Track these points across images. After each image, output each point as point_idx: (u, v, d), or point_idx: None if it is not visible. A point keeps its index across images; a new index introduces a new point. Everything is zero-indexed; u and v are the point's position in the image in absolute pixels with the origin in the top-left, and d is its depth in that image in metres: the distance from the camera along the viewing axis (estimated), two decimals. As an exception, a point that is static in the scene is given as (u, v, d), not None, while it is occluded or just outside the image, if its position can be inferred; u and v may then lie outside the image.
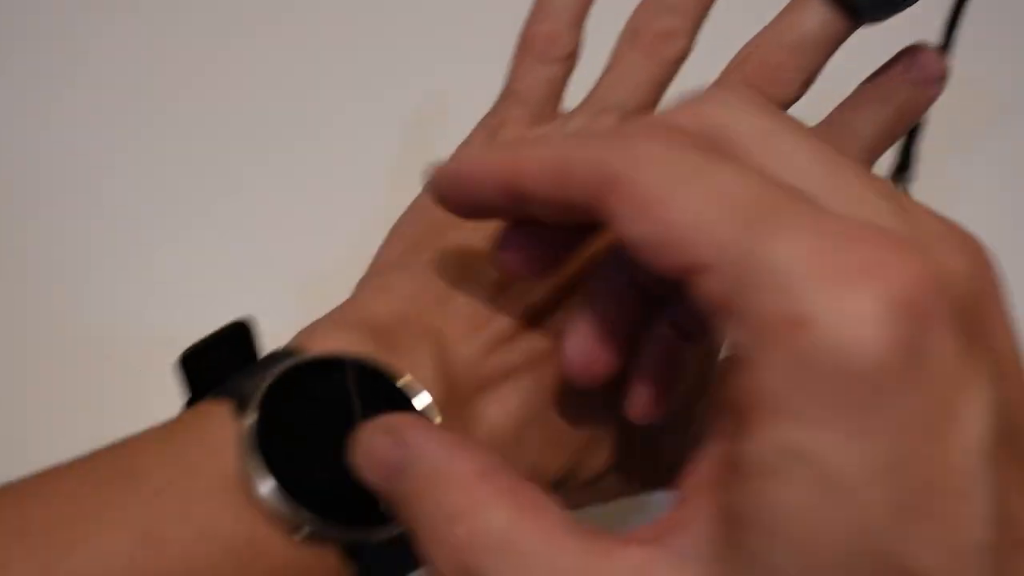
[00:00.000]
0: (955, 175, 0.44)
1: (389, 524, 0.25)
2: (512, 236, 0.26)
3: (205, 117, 0.49)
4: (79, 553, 0.23)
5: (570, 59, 0.35)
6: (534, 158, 0.23)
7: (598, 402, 0.29)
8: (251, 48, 0.52)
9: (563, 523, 0.20)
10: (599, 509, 0.32)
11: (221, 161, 0.48)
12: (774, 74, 0.32)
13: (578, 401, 0.29)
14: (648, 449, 0.31)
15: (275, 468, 0.25)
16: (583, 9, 0.35)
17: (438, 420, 0.27)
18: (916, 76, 0.33)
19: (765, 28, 0.33)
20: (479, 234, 0.29)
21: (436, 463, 0.22)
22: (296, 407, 0.26)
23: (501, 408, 0.29)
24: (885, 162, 0.41)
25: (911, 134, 0.37)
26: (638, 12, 0.35)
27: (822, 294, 0.18)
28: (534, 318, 0.30)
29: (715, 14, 0.34)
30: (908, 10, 0.31)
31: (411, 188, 0.32)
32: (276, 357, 0.28)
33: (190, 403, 0.28)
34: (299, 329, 0.29)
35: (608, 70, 0.34)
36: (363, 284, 0.31)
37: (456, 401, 0.28)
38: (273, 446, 0.25)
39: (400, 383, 0.27)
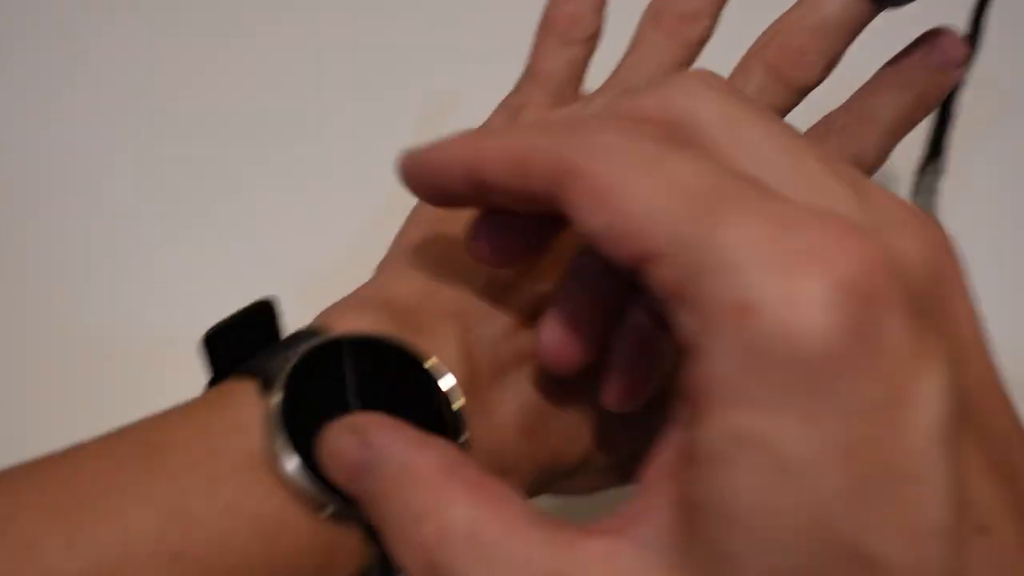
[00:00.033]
0: (955, 175, 0.44)
1: None
2: (482, 226, 0.26)
3: (205, 116, 0.49)
4: (106, 529, 0.23)
5: (592, 40, 0.35)
6: (495, 148, 0.23)
7: None
8: (252, 48, 0.51)
9: (527, 516, 0.20)
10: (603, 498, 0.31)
11: (221, 161, 0.47)
12: (796, 57, 0.32)
13: (594, 390, 0.29)
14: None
15: (300, 447, 0.25)
16: (605, -10, 0.35)
17: (461, 402, 0.27)
18: (937, 60, 0.33)
19: (787, 11, 0.33)
20: None
21: (402, 462, 0.22)
22: (321, 386, 0.26)
23: (520, 393, 0.28)
24: (914, 154, 0.40)
25: (941, 125, 0.37)
26: None
27: (769, 280, 0.18)
28: None
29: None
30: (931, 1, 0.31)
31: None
32: (300, 336, 0.27)
33: (213, 382, 0.28)
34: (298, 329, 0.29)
35: (630, 51, 0.34)
36: (383, 266, 0.31)
37: (477, 384, 0.28)
38: (298, 425, 0.25)
39: (427, 365, 0.27)
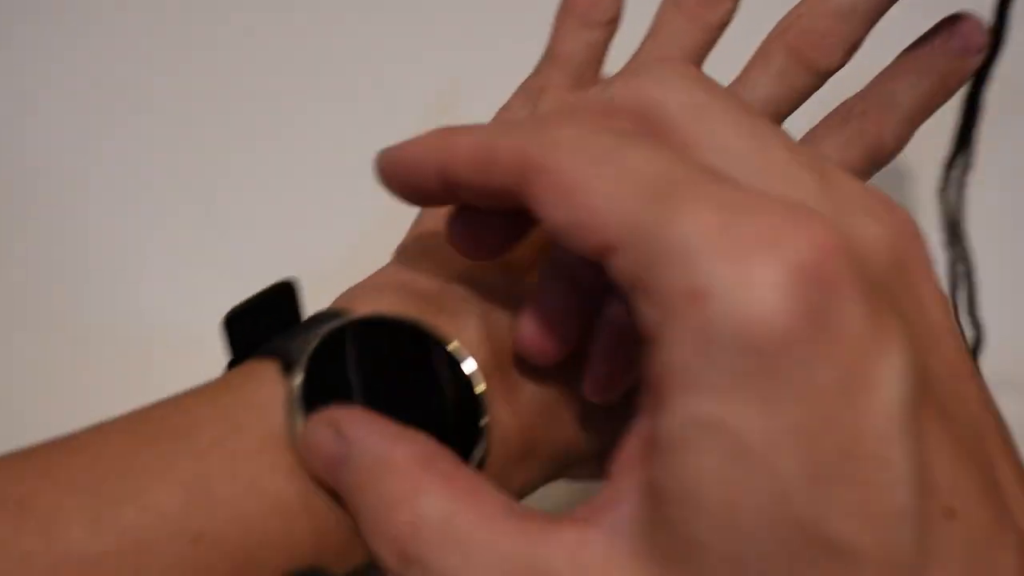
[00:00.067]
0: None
1: None
2: (456, 221, 0.26)
3: (207, 112, 0.48)
4: (129, 508, 0.23)
5: (612, 23, 0.34)
6: (461, 145, 0.23)
7: None
8: (255, 44, 0.50)
9: (501, 507, 0.20)
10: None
11: (224, 158, 0.47)
12: (818, 41, 0.32)
13: None
14: None
15: None
16: (625, -27, 0.35)
17: (482, 387, 0.27)
18: (957, 46, 0.32)
19: (811, -7, 0.32)
20: None
21: (377, 454, 0.22)
22: (343, 368, 0.26)
23: (541, 377, 0.28)
24: (941, 148, 0.40)
25: (968, 118, 0.37)
26: None
27: (720, 266, 0.18)
28: None
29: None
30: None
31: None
32: (321, 318, 0.27)
33: (233, 363, 0.28)
34: (319, 311, 0.29)
35: (650, 34, 0.34)
36: (403, 249, 0.31)
37: (498, 368, 0.28)
38: (320, 406, 0.25)
39: (449, 348, 0.27)
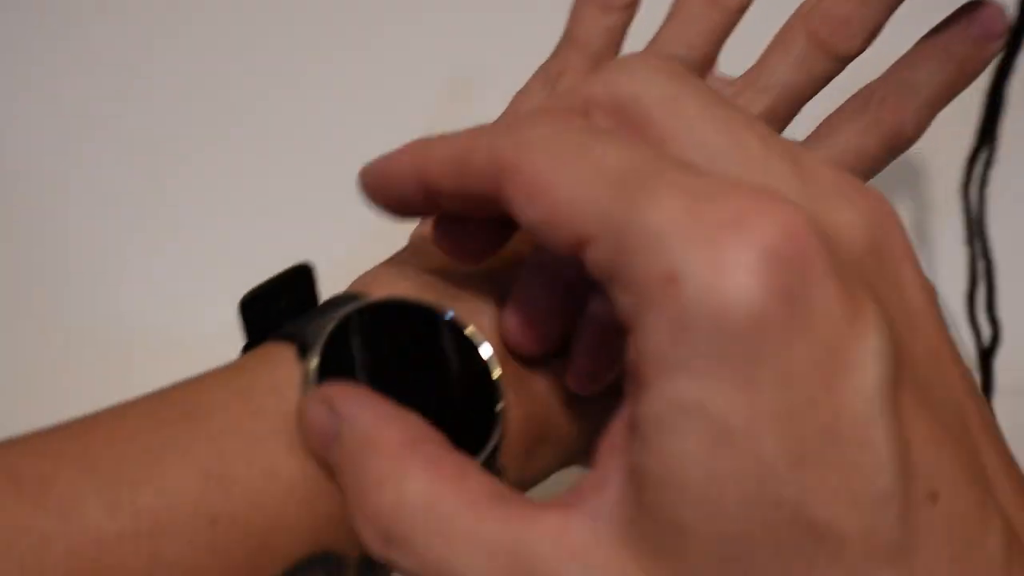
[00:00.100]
0: (934, 181, 0.43)
1: None
2: (439, 229, 0.26)
3: (211, 109, 0.48)
4: (146, 490, 0.23)
5: (630, 7, 0.34)
6: (437, 153, 0.23)
7: None
8: (256, 40, 0.50)
9: (486, 492, 0.20)
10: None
11: (210, 159, 0.47)
12: (839, 26, 0.31)
13: None
14: None
15: None
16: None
17: (498, 372, 0.26)
18: (977, 32, 0.32)
19: (831, -21, 0.32)
20: None
21: (365, 432, 0.22)
22: (359, 351, 0.26)
23: (550, 367, 0.28)
24: (965, 142, 0.39)
25: (991, 112, 0.36)
26: None
27: (691, 249, 0.18)
28: None
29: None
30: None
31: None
32: (338, 301, 0.27)
33: (249, 347, 0.27)
34: (336, 294, 0.28)
35: (669, 18, 0.34)
36: (417, 237, 0.31)
37: (511, 355, 0.27)
38: None
39: (467, 332, 0.27)
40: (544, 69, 0.34)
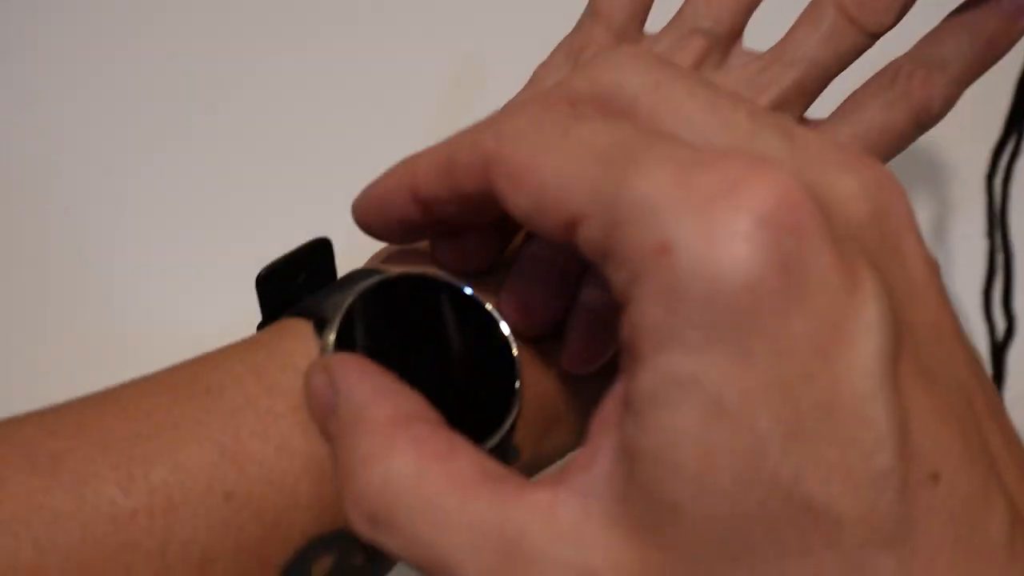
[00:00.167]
0: (957, 171, 0.42)
1: None
2: (439, 244, 0.26)
3: (214, 99, 0.47)
4: (161, 466, 0.23)
5: None
6: (424, 161, 0.23)
7: None
8: (262, 34, 0.49)
9: (474, 471, 0.20)
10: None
11: (225, 153, 0.46)
12: (869, 1, 0.30)
13: None
14: None
15: None
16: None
17: (514, 347, 0.26)
18: (1008, 8, 0.31)
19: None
20: None
21: (357, 407, 0.21)
22: (377, 326, 0.25)
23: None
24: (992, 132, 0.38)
25: (1020, 101, 0.35)
26: None
27: (684, 218, 0.17)
28: None
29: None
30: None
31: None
32: (356, 277, 0.26)
33: (266, 322, 0.27)
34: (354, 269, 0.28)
35: None
36: None
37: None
38: None
39: (488, 307, 0.26)
40: (567, 42, 0.33)
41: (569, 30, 0.34)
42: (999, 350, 0.41)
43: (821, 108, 0.32)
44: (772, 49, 0.32)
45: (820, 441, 0.17)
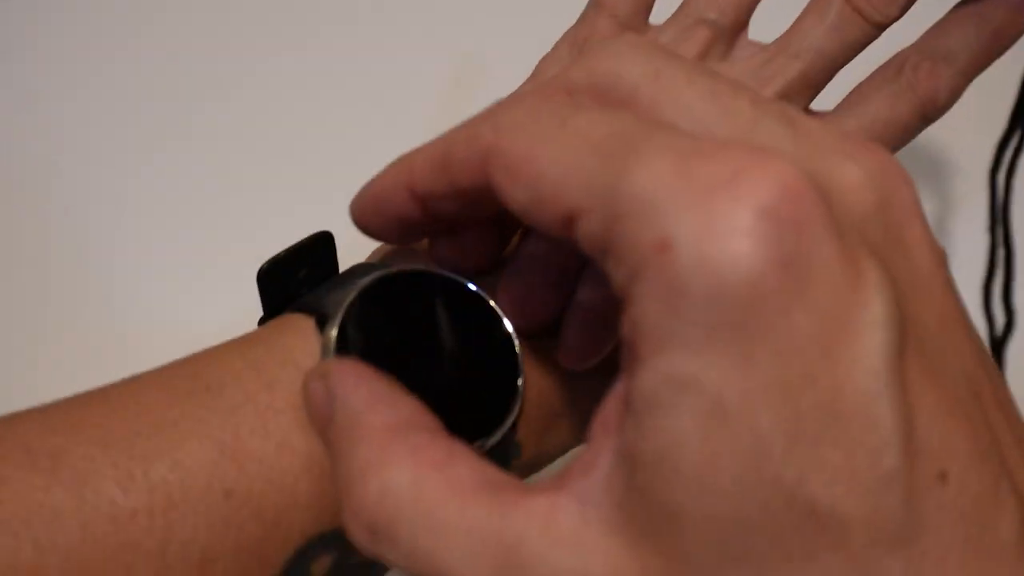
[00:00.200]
0: (960, 165, 0.42)
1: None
2: (438, 244, 0.25)
3: (213, 98, 0.46)
4: (161, 464, 0.22)
5: None
6: (420, 157, 0.22)
7: None
8: (261, 33, 0.48)
9: (472, 478, 0.19)
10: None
11: (225, 153, 0.45)
12: None
13: None
14: None
15: None
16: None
17: (516, 343, 0.25)
18: None
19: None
20: None
21: (354, 415, 0.21)
22: (379, 321, 0.24)
23: None
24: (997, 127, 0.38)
25: None
26: None
27: (682, 213, 0.16)
28: None
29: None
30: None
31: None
32: (358, 271, 0.26)
33: (267, 318, 0.26)
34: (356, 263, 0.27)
35: None
36: None
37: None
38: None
39: (492, 303, 0.25)
40: (571, 34, 0.33)
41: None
42: (998, 345, 0.41)
43: (826, 100, 0.32)
44: (777, 40, 0.31)
45: (824, 442, 0.16)
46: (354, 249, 0.27)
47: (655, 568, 0.17)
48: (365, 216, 0.24)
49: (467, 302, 0.25)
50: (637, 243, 0.17)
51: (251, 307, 0.26)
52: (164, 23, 0.48)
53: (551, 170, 0.18)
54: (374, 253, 0.27)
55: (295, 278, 0.26)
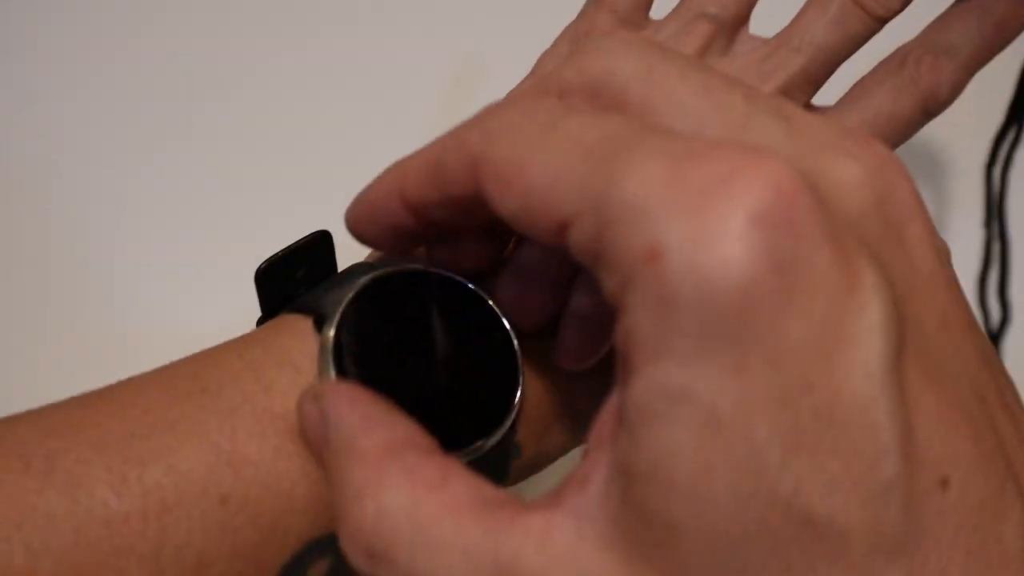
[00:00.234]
0: (956, 160, 0.41)
1: (465, 448, 0.23)
2: (436, 250, 0.24)
3: (211, 98, 0.45)
4: (156, 468, 0.22)
5: None
6: (413, 164, 0.21)
7: None
8: (260, 33, 0.47)
9: (468, 497, 0.18)
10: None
11: (225, 153, 0.44)
12: None
13: None
14: None
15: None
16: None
17: (515, 343, 0.24)
18: None
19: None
20: None
21: (348, 437, 0.20)
22: (377, 321, 0.24)
23: None
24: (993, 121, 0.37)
25: (1022, 91, 0.34)
26: None
27: (675, 218, 0.16)
28: None
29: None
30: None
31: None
32: (356, 271, 0.25)
33: (265, 318, 0.25)
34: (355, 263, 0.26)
35: None
36: None
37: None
38: (352, 361, 0.23)
39: (492, 302, 0.25)
40: (571, 29, 0.32)
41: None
42: (994, 339, 0.41)
43: (828, 95, 0.31)
44: (779, 34, 0.30)
45: (821, 452, 0.15)
46: (353, 248, 0.26)
47: None
48: (359, 225, 0.23)
49: (465, 302, 0.24)
50: (628, 251, 0.16)
51: (251, 307, 0.25)
52: (164, 23, 0.47)
53: (541, 178, 0.18)
54: (373, 252, 0.27)
55: (293, 278, 0.25)
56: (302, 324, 0.24)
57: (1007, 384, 0.19)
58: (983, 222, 0.40)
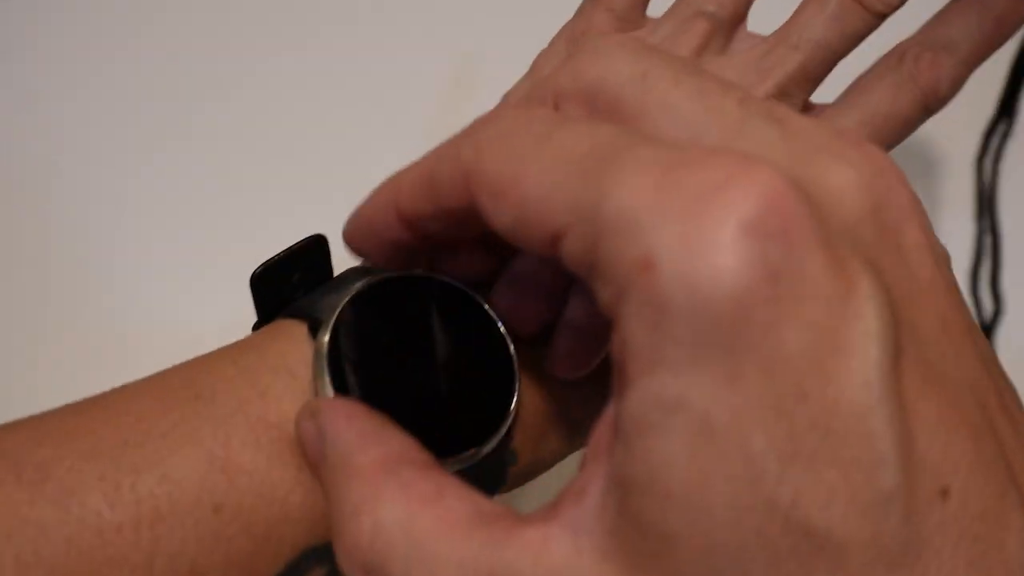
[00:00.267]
0: (947, 153, 0.40)
1: (461, 454, 0.22)
2: (435, 262, 0.24)
3: (210, 98, 0.44)
4: (149, 477, 0.21)
5: None
6: (408, 177, 0.21)
7: None
8: (259, 34, 0.46)
9: (464, 512, 0.18)
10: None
11: (224, 153, 0.43)
12: None
13: None
14: None
15: (349, 391, 0.22)
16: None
17: (512, 349, 0.24)
18: None
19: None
20: None
21: (345, 454, 0.20)
22: (373, 327, 0.23)
23: None
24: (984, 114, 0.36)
25: (1013, 84, 0.33)
26: None
27: (667, 228, 0.15)
28: None
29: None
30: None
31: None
32: (351, 275, 0.24)
33: (261, 323, 0.25)
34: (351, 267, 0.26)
35: None
36: None
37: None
38: (347, 368, 0.22)
39: (487, 307, 0.24)
40: (568, 28, 0.31)
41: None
42: (987, 331, 0.40)
43: (827, 93, 0.30)
44: (777, 32, 0.30)
45: (818, 462, 0.15)
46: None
47: None
48: (357, 239, 0.22)
49: (461, 306, 0.24)
50: (621, 262, 0.16)
51: (251, 307, 0.25)
52: (164, 23, 0.46)
53: (534, 191, 0.17)
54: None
55: (289, 282, 0.24)
56: (297, 329, 0.23)
57: (1007, 388, 0.18)
58: (974, 215, 0.39)
